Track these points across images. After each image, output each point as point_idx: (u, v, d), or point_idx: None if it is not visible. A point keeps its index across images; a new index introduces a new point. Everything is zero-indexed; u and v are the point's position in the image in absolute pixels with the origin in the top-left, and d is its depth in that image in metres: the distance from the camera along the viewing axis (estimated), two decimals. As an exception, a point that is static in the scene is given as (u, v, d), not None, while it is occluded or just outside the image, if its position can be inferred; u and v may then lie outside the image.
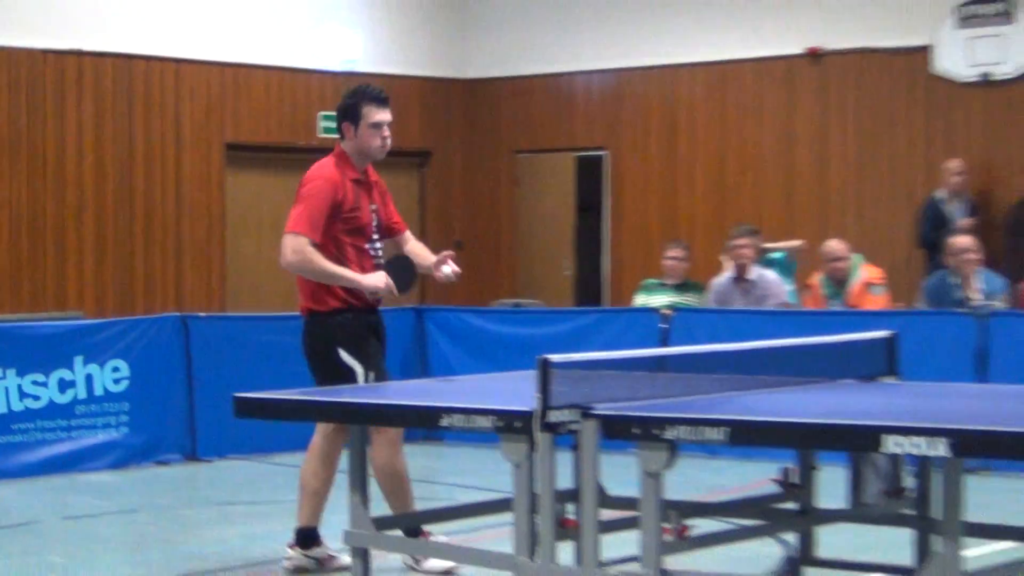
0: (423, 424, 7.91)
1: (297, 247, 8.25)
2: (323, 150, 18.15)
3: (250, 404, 7.45)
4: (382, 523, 7.40)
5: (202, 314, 14.36)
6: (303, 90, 18.62)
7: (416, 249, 8.80)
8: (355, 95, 8.65)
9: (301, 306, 8.62)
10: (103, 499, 11.39)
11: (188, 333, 13.18)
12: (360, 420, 7.31)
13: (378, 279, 8.32)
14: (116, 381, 12.81)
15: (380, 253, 8.60)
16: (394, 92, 19.04)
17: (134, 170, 17.27)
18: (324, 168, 8.55)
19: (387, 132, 8.61)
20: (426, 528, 8.36)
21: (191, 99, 17.70)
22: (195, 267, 17.69)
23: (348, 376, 8.33)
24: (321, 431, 8.47)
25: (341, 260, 8.31)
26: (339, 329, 8.43)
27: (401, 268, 8.42)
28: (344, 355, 8.42)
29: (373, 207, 8.59)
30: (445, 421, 6.78)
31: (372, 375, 8.43)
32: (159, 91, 17.46)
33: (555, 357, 6.27)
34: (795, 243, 15.73)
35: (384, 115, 8.60)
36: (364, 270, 8.37)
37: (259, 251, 18.38)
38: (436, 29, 19.86)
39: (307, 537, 8.48)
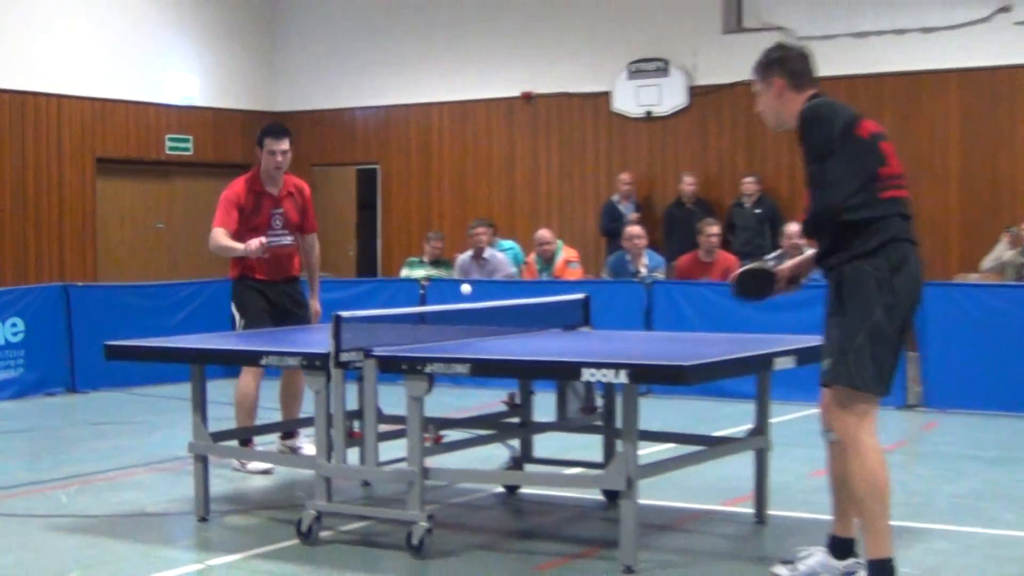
0: (248, 363, 7.79)
1: (213, 234, 8.43)
2: (170, 163, 18.23)
3: (116, 349, 7.33)
4: (216, 436, 7.32)
5: (79, 283, 14.10)
6: (154, 118, 18.26)
7: (309, 250, 8.86)
8: (262, 131, 8.69)
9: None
10: (5, 422, 11.04)
11: (68, 298, 12.91)
12: (200, 361, 7.22)
13: (249, 243, 8.20)
14: (14, 334, 12.49)
15: (283, 241, 8.59)
16: (222, 120, 19.07)
17: (26, 178, 16.81)
18: (235, 184, 8.62)
19: (280, 157, 8.55)
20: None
21: (69, 125, 17.28)
22: (74, 250, 17.30)
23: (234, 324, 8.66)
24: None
25: (245, 232, 8.38)
26: (235, 290, 8.67)
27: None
28: (233, 308, 8.65)
29: (277, 211, 8.56)
30: (264, 360, 6.74)
31: (243, 323, 8.54)
32: (45, 118, 17.01)
33: (345, 313, 6.26)
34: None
35: (279, 145, 8.55)
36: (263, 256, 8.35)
37: (122, 237, 18.06)
38: (253, 74, 19.61)
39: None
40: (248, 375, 8.47)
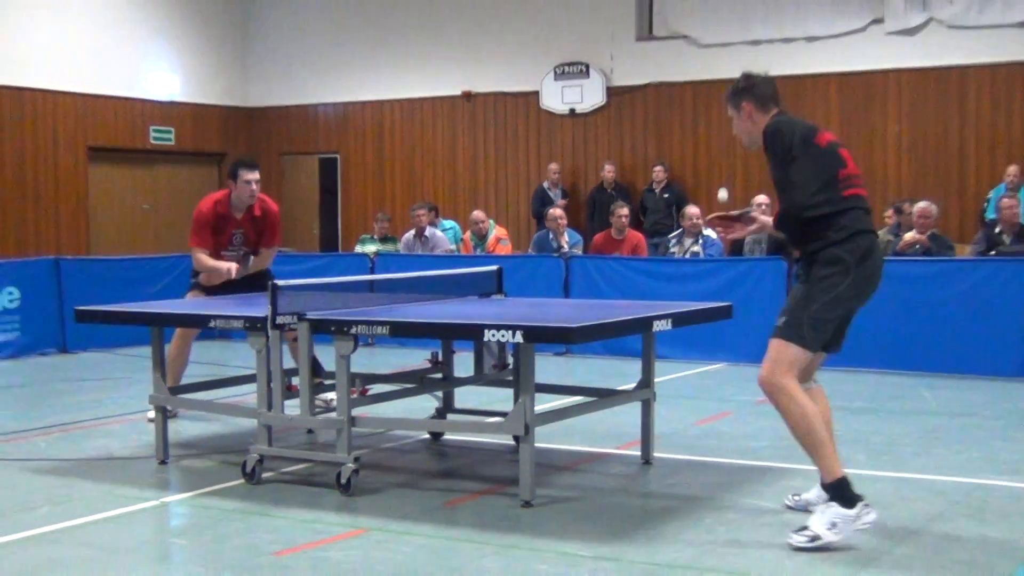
0: (198, 325, 7.72)
1: (198, 256, 8.38)
2: (155, 151, 18.05)
3: (84, 313, 7.27)
4: (175, 390, 7.27)
5: (70, 257, 13.94)
6: (139, 112, 18.11)
7: (261, 258, 8.73)
8: (236, 164, 8.51)
9: None
10: (1, 378, 10.92)
11: (60, 269, 12.74)
12: (155, 323, 7.17)
13: (229, 266, 8.29)
14: (11, 301, 12.32)
15: (241, 252, 8.53)
16: (201, 114, 18.93)
17: (25, 164, 16.66)
18: (205, 204, 8.46)
19: (254, 186, 8.44)
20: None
21: (64, 117, 17.11)
22: (69, 228, 17.16)
23: None
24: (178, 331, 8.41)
25: (214, 256, 8.36)
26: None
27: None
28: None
29: (237, 231, 8.48)
30: (212, 323, 6.69)
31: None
32: (42, 111, 16.85)
33: (280, 282, 6.24)
34: None
35: (253, 175, 8.42)
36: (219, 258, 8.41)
37: (112, 217, 17.92)
38: (227, 73, 19.47)
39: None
40: (176, 339, 8.39)
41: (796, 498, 5.83)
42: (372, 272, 12.83)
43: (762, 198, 13.54)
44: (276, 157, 19.65)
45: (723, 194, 11.16)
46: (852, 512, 5.14)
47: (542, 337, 5.67)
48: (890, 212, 13.22)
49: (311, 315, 6.22)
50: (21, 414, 9.05)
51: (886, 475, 6.68)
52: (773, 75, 5.64)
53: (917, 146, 15.05)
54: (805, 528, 5.16)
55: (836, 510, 5.14)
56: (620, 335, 6.70)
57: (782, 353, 5.27)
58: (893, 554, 5.16)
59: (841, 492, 5.17)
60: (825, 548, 5.10)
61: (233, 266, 8.29)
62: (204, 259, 8.35)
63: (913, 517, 5.75)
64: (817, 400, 5.55)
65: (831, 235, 5.25)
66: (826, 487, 5.24)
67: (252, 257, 8.64)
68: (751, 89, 5.47)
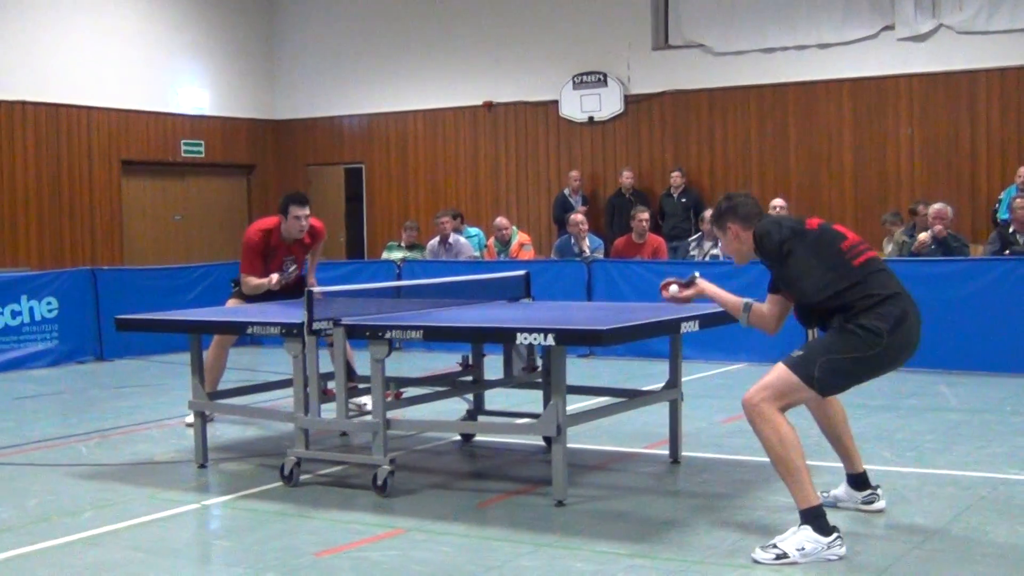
0: (236, 332, 7.71)
1: (247, 280, 8.33)
2: (185, 164, 18.09)
3: (124, 322, 7.24)
4: (212, 395, 7.24)
5: (105, 267, 13.99)
6: (171, 126, 18.12)
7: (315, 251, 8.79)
8: (286, 199, 8.46)
9: None
10: (41, 386, 10.92)
11: (96, 280, 12.77)
12: (194, 331, 7.14)
13: (271, 278, 8.31)
14: (50, 311, 12.36)
15: (291, 271, 8.49)
16: (230, 127, 18.93)
17: (61, 177, 16.66)
18: (255, 232, 8.43)
19: (304, 222, 8.39)
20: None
21: (98, 132, 17.12)
22: (103, 239, 17.16)
23: None
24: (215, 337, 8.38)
25: (264, 275, 8.35)
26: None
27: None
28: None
29: (289, 256, 8.47)
30: (249, 330, 6.66)
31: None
32: (76, 127, 16.86)
33: (316, 289, 6.20)
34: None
35: (303, 211, 8.37)
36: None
37: (144, 228, 17.92)
38: (255, 88, 19.45)
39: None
40: (213, 347, 8.36)
41: (825, 495, 5.69)
42: (399, 278, 12.78)
43: (778, 201, 13.48)
44: (302, 168, 19.64)
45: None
46: (825, 540, 4.90)
47: (574, 340, 5.62)
48: (906, 214, 13.14)
49: (346, 320, 6.18)
50: (62, 421, 9.05)
51: (911, 471, 6.61)
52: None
53: (928, 149, 14.93)
54: (773, 545, 4.92)
55: (809, 534, 4.90)
56: (649, 337, 6.61)
57: (780, 380, 5.02)
58: (924, 549, 5.09)
59: (816, 520, 4.93)
60: (788, 565, 4.85)
61: (274, 277, 8.30)
62: (251, 281, 8.37)
63: (941, 512, 5.67)
64: (831, 401, 5.45)
65: (858, 304, 4.98)
66: (802, 514, 4.96)
67: (297, 272, 8.63)
68: (734, 209, 5.31)
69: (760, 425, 4.99)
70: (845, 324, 4.99)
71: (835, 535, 4.92)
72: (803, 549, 4.87)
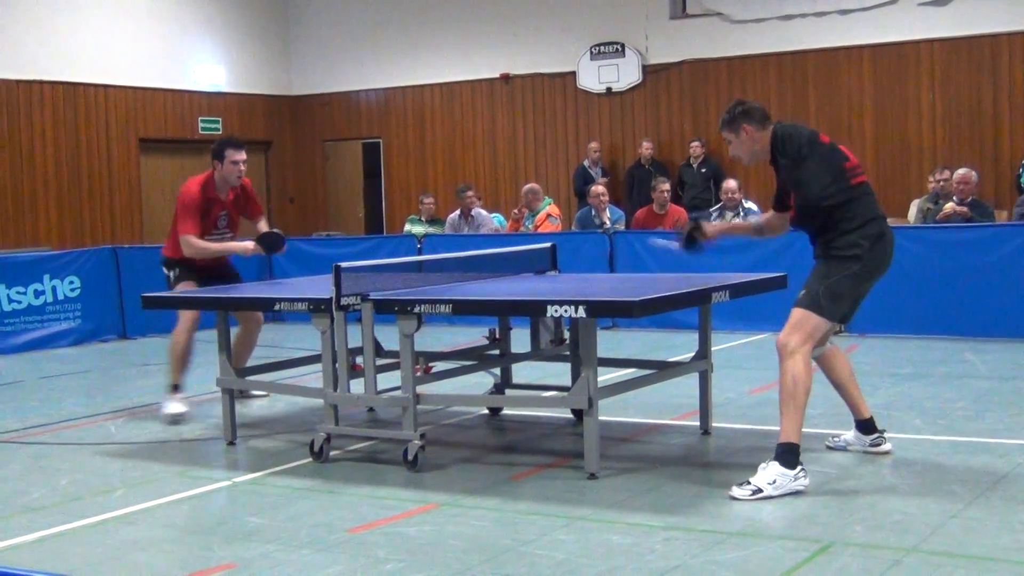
0: (264, 309, 7.69)
1: (190, 240, 7.85)
2: (202, 141, 18.04)
3: (150, 300, 7.23)
4: (239, 372, 7.22)
5: (126, 246, 13.94)
6: (187, 104, 18.09)
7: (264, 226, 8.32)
8: (221, 143, 8.09)
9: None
10: (65, 365, 10.95)
11: (118, 258, 12.77)
12: (224, 308, 7.11)
13: (245, 246, 7.96)
14: (72, 290, 12.38)
15: (226, 235, 8.12)
16: (247, 104, 18.89)
17: (79, 156, 16.69)
18: (191, 188, 7.97)
19: (242, 166, 8.06)
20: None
21: (115, 110, 17.12)
22: (123, 217, 17.19)
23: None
24: (183, 319, 7.99)
25: (202, 238, 7.93)
26: (170, 262, 8.23)
27: (271, 239, 8.08)
28: (167, 270, 8.27)
29: (223, 212, 8.07)
30: (277, 306, 6.63)
31: (175, 274, 8.14)
32: (94, 106, 16.86)
33: (343, 264, 6.16)
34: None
35: (240, 155, 8.03)
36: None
37: (164, 206, 17.78)
38: (271, 64, 19.40)
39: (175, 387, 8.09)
40: (181, 326, 8.01)
41: (836, 439, 6.27)
42: (420, 253, 12.74)
43: (732, 184, 13.31)
44: (320, 143, 19.60)
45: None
46: (791, 472, 5.39)
47: (605, 312, 5.57)
48: (931, 179, 13.01)
49: (374, 295, 6.13)
50: (89, 399, 9.05)
51: (944, 439, 6.55)
52: (806, 48, 5.99)
53: (951, 115, 14.79)
54: (747, 483, 5.39)
55: (776, 468, 5.39)
56: (681, 308, 6.57)
57: (803, 321, 5.61)
58: (963, 516, 5.04)
59: (788, 455, 5.41)
60: (764, 499, 5.30)
61: (249, 244, 7.94)
62: (200, 243, 7.88)
63: (977, 480, 5.62)
64: (836, 357, 6.01)
65: (844, 224, 5.60)
66: (778, 446, 5.45)
67: (230, 237, 8.21)
68: (749, 112, 5.77)
69: (786, 362, 5.56)
70: (828, 252, 5.65)
71: (800, 467, 5.42)
72: (774, 482, 5.36)
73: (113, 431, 7.65)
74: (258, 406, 8.26)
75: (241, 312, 8.14)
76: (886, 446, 6.12)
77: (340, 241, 15.16)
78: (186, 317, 7.90)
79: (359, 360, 6.52)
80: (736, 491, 5.38)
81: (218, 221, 8.10)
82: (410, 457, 6.08)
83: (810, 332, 5.61)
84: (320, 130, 19.55)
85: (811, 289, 5.65)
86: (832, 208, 5.58)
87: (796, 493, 5.39)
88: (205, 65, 18.28)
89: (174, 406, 7.91)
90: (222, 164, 8.00)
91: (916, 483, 5.59)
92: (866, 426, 6.14)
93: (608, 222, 13.03)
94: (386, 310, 6.07)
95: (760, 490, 5.35)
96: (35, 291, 12.11)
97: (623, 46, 16.55)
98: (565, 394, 6.04)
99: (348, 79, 19.06)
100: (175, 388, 8.02)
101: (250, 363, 8.13)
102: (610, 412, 7.06)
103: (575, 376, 7.14)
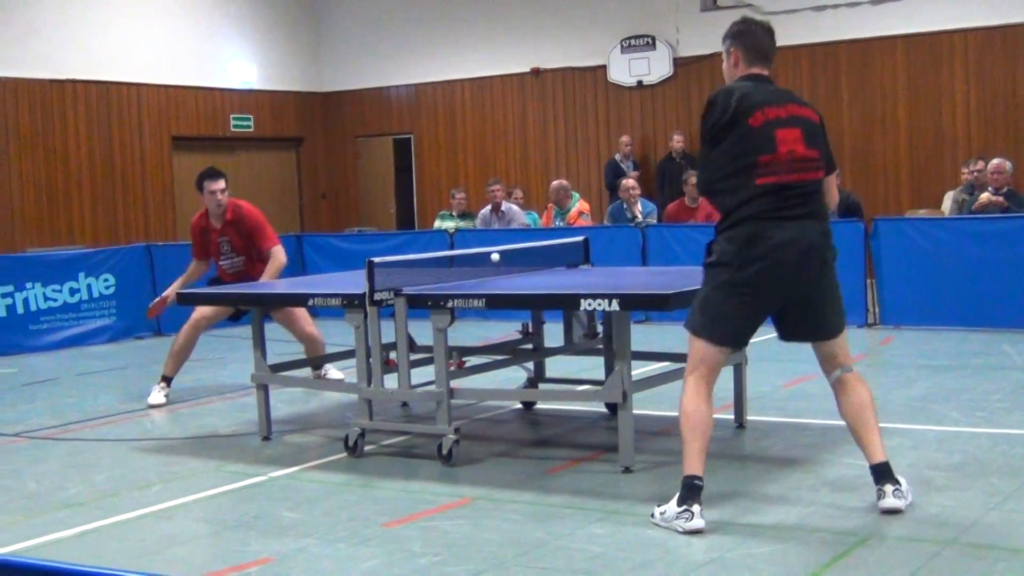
0: (298, 304, 7.73)
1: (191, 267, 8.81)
2: (235, 138, 18.11)
3: (186, 296, 7.25)
4: (275, 368, 7.25)
5: (160, 243, 14.03)
6: (219, 101, 18.21)
7: (270, 260, 8.50)
8: (200, 176, 8.59)
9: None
10: (101, 362, 11.04)
11: (151, 256, 12.87)
12: (258, 303, 7.14)
13: (167, 293, 8.81)
14: (107, 287, 12.49)
15: (232, 262, 8.62)
16: (278, 101, 18.96)
17: (113, 154, 16.83)
18: (194, 219, 8.80)
19: (219, 196, 8.48)
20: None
21: (148, 108, 17.25)
22: (156, 215, 17.32)
23: None
24: (194, 315, 8.45)
25: (215, 263, 8.71)
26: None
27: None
28: None
29: (222, 238, 8.55)
30: (311, 301, 6.64)
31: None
32: (127, 104, 17.00)
33: (376, 259, 6.16)
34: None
35: (216, 185, 8.47)
36: (220, 269, 8.68)
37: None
38: (302, 61, 19.49)
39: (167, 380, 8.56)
40: (187, 323, 8.51)
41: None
42: (452, 248, 12.74)
43: (630, 182, 13.28)
44: (351, 139, 19.66)
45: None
46: (676, 509, 4.76)
47: (639, 305, 5.55)
48: (965, 170, 12.89)
49: (407, 290, 6.14)
50: (125, 395, 9.10)
51: (982, 431, 6.49)
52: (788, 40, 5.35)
53: (985, 105, 14.66)
54: (664, 502, 4.90)
55: (674, 500, 4.81)
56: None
57: (689, 346, 4.90)
58: (1003, 509, 4.98)
59: (683, 488, 4.79)
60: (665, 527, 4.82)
61: (170, 292, 8.54)
62: (188, 271, 8.74)
63: (1016, 472, 5.56)
64: (847, 389, 4.96)
65: (723, 223, 4.79)
66: (683, 479, 4.82)
67: (243, 261, 8.62)
68: (742, 35, 4.90)
69: (683, 394, 4.92)
70: (705, 260, 4.89)
71: (687, 507, 4.74)
72: (664, 512, 4.84)
73: (149, 427, 7.69)
74: (289, 399, 8.29)
75: (290, 329, 8.57)
76: (888, 501, 4.86)
77: (372, 237, 15.20)
78: (194, 315, 8.25)
79: (392, 355, 6.53)
80: (655, 509, 4.92)
81: (220, 247, 8.59)
82: (444, 451, 6.09)
83: (696, 359, 4.83)
84: (351, 126, 19.60)
85: (691, 306, 4.95)
86: (718, 203, 4.83)
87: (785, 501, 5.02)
88: (236, 62, 18.37)
89: (154, 396, 8.38)
90: (203, 196, 8.54)
91: (954, 476, 5.54)
92: (875, 472, 4.94)
93: (640, 215, 12.99)
94: (419, 305, 6.07)
95: (653, 515, 4.89)
96: (70, 289, 12.21)
97: (654, 39, 16.50)
98: (599, 388, 6.03)
99: (379, 75, 19.11)
100: (164, 379, 8.46)
101: (286, 359, 8.16)
102: (644, 406, 7.04)
103: (609, 370, 7.13)
